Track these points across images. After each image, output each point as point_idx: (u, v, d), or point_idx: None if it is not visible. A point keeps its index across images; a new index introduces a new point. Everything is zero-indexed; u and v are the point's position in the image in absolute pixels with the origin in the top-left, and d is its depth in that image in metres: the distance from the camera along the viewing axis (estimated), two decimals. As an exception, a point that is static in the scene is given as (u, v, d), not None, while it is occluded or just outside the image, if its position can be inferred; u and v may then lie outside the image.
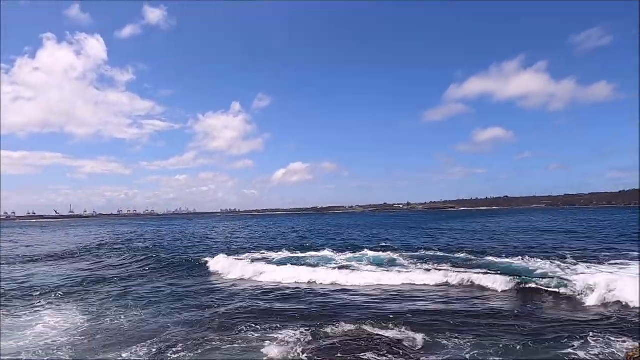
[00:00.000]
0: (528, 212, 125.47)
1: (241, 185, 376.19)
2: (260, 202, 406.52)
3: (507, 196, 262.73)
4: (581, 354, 7.56)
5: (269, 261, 20.74)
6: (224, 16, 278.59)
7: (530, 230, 40.44)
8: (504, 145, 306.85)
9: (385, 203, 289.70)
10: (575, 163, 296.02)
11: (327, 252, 23.67)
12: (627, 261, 17.10)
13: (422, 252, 22.60)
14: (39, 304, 12.71)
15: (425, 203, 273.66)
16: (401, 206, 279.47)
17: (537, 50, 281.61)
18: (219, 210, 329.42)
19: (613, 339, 8.24)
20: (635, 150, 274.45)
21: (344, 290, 14.40)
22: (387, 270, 17.02)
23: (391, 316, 10.54)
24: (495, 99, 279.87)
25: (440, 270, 16.39)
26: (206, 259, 21.73)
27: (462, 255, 20.86)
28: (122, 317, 10.89)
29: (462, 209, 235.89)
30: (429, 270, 16.61)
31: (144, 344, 8.65)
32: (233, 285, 16.29)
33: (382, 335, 8.90)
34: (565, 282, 13.06)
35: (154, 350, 8.29)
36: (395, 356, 7.69)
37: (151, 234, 50.80)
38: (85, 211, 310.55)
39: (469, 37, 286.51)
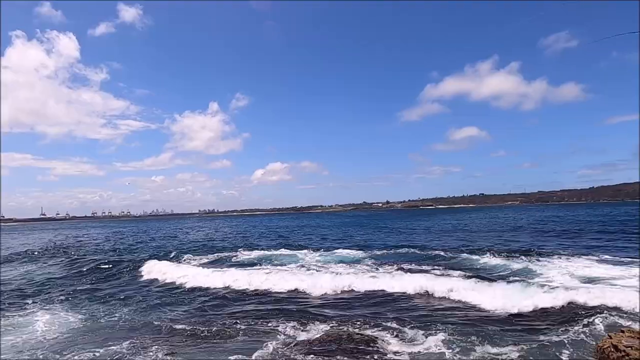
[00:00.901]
0: (500, 210, 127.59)
1: (220, 185, 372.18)
2: (239, 202, 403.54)
3: (482, 194, 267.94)
4: None
5: (223, 263, 20.28)
6: (202, 16, 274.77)
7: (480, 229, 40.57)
8: (479, 143, 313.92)
9: (364, 202, 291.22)
10: (547, 161, 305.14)
11: (283, 251, 23.89)
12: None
13: (388, 251, 22.36)
14: None
15: (404, 202, 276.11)
16: (380, 205, 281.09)
17: (509, 52, 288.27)
18: (197, 211, 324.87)
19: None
20: (602, 149, 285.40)
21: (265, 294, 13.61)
22: (339, 272, 16.06)
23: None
24: (470, 99, 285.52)
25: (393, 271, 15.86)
26: (143, 263, 20.54)
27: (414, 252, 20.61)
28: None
29: (440, 206, 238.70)
30: (389, 272, 15.79)
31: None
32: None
33: None
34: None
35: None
36: None
37: (112, 237, 48.92)
38: (58, 214, 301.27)
39: (444, 38, 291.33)
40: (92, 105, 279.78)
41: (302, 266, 18.16)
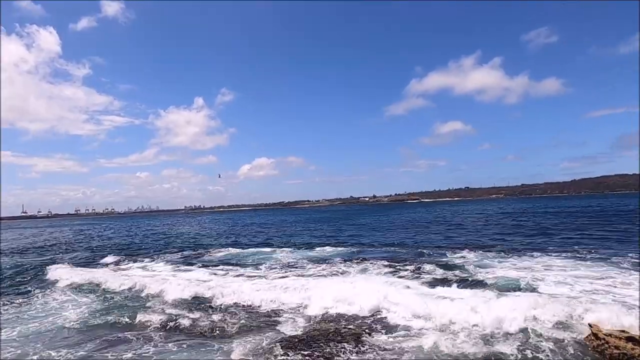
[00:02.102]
0: (483, 203, 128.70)
1: (206, 181, 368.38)
2: (225, 197, 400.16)
3: (468, 187, 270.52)
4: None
5: (186, 263, 18.81)
6: (185, 11, 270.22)
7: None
8: (464, 137, 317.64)
9: (351, 196, 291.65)
10: (530, 154, 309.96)
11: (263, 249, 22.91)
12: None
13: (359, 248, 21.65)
14: None
15: (391, 195, 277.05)
16: (367, 199, 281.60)
17: (492, 47, 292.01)
18: (183, 207, 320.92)
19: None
20: (582, 142, 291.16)
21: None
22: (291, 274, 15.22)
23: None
24: (455, 93, 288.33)
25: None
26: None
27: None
28: None
29: (426, 200, 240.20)
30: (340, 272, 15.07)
31: None
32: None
33: None
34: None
35: None
36: None
37: (77, 234, 47.23)
38: (40, 211, 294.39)
39: (428, 34, 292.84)
40: (75, 100, 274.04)
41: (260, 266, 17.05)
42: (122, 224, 77.01)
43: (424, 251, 18.75)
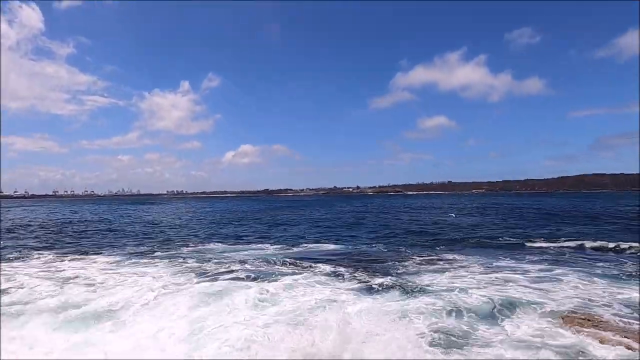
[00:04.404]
0: (464, 197, 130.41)
1: (189, 166, 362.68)
2: (209, 184, 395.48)
3: (450, 181, 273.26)
4: None
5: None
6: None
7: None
8: (448, 132, 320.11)
9: (335, 187, 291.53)
10: (512, 151, 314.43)
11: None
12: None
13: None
14: None
15: (374, 187, 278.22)
16: (351, 190, 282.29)
17: (477, 44, 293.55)
18: (166, 192, 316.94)
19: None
20: (563, 141, 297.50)
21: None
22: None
23: None
24: (440, 88, 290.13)
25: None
26: None
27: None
28: None
29: (409, 193, 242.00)
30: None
31: None
32: None
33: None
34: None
35: None
36: None
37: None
38: (16, 191, 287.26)
39: (413, 27, 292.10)
40: (57, 79, 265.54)
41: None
42: (97, 209, 75.44)
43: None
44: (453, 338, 7.06)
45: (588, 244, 17.98)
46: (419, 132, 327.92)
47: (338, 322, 7.43)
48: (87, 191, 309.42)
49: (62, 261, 15.43)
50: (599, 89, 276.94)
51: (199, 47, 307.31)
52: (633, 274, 11.91)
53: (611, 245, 17.37)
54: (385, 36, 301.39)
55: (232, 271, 12.91)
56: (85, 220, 39.33)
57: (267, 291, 10.05)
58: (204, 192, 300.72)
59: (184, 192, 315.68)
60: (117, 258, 15.97)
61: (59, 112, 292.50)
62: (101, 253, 17.57)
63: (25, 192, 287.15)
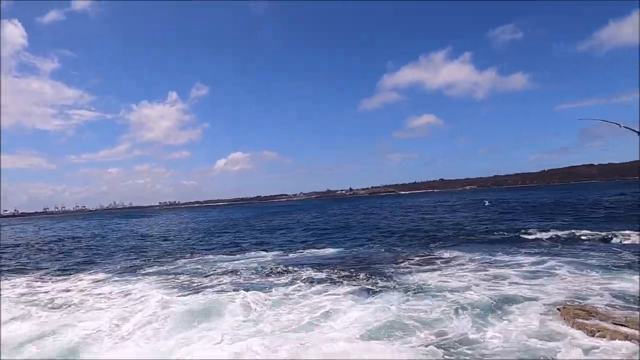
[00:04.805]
0: (451, 194, 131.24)
1: (180, 176, 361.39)
2: (200, 193, 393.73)
3: (442, 179, 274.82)
4: None
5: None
6: (159, 5, 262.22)
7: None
8: (437, 131, 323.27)
9: (328, 190, 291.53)
10: (501, 146, 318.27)
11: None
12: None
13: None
14: None
15: (367, 188, 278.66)
16: (344, 192, 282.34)
17: (461, 43, 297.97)
18: (158, 204, 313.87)
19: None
20: (551, 134, 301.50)
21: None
22: None
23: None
24: (426, 88, 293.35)
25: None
26: None
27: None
28: None
29: (402, 192, 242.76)
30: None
31: None
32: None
33: None
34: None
35: None
36: None
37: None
38: (6, 210, 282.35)
39: (398, 27, 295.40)
40: (42, 94, 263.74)
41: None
42: (82, 224, 74.42)
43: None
44: (454, 341, 6.93)
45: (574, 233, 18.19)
46: (408, 131, 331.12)
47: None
48: (78, 206, 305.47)
49: (44, 282, 14.82)
50: (583, 81, 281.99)
51: (187, 57, 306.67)
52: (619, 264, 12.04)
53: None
54: (371, 38, 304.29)
55: (222, 285, 12.36)
56: (75, 237, 38.69)
57: (255, 310, 9.36)
58: (196, 202, 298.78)
59: (176, 202, 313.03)
60: (105, 275, 15.42)
61: (46, 127, 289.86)
62: (88, 271, 16.93)
63: (15, 210, 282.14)
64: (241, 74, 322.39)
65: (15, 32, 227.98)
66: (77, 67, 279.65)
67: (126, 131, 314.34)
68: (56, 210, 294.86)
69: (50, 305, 11.03)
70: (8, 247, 30.36)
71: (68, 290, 13.03)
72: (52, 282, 14.93)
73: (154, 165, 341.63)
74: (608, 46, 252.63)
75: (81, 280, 14.81)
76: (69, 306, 10.84)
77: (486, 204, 39.08)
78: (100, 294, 12.21)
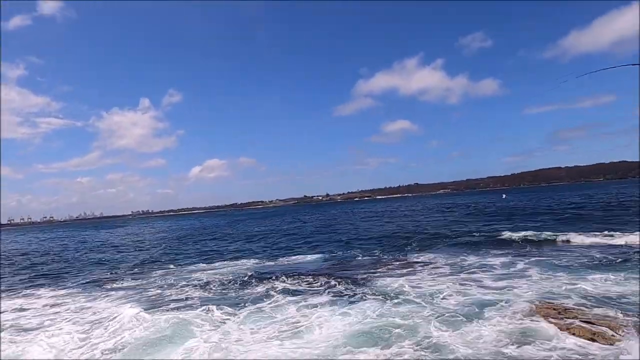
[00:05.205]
0: (429, 198, 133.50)
1: (154, 185, 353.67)
2: (175, 201, 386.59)
3: (417, 183, 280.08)
4: None
5: None
6: (128, 10, 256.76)
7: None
8: (411, 136, 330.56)
9: (305, 196, 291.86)
10: (473, 151, 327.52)
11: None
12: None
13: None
14: None
15: (344, 193, 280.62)
16: (321, 198, 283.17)
17: (433, 49, 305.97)
18: (130, 213, 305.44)
19: None
20: (520, 138, 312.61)
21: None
22: None
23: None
24: (400, 94, 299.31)
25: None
26: None
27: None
28: None
29: (379, 197, 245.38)
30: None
31: None
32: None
33: None
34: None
35: None
36: None
37: None
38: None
39: (371, 35, 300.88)
40: (7, 102, 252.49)
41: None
42: (46, 236, 71.46)
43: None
44: (433, 347, 6.87)
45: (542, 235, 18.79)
46: (383, 136, 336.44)
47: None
48: (46, 217, 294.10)
49: None
50: (549, 87, 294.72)
51: (158, 64, 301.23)
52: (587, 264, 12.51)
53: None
54: (345, 45, 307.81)
55: (188, 299, 11.66)
56: (38, 251, 37.02)
57: (222, 329, 8.62)
58: (171, 210, 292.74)
59: (150, 211, 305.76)
60: (68, 291, 14.56)
61: (11, 135, 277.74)
62: (51, 286, 15.88)
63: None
64: (214, 82, 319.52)
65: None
66: (43, 74, 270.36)
67: (97, 139, 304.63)
68: (22, 221, 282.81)
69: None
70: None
71: (22, 310, 12.06)
72: (8, 299, 13.96)
73: (127, 174, 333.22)
74: (570, 55, 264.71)
75: (39, 297, 13.84)
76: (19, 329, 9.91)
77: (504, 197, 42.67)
78: (56, 312, 11.29)
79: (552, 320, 7.40)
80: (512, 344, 6.72)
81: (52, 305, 12.27)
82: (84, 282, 16.66)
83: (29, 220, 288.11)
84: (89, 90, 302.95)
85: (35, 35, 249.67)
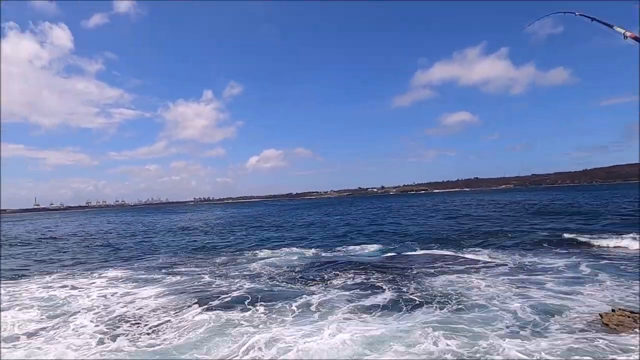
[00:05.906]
0: (485, 194, 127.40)
1: (214, 173, 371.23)
2: (234, 189, 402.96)
3: (477, 177, 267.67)
4: None
5: None
6: (195, 6, 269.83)
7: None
8: (471, 128, 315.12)
9: (359, 187, 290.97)
10: (539, 144, 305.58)
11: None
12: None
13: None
14: None
15: (399, 186, 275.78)
16: (375, 190, 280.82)
17: (497, 38, 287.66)
18: (192, 199, 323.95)
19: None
20: (593, 131, 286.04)
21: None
22: None
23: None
24: (460, 84, 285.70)
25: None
26: None
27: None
28: None
29: (436, 191, 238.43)
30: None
31: None
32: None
33: None
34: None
35: None
36: None
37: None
38: (52, 204, 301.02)
39: (431, 25, 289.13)
40: (87, 94, 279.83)
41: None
42: (125, 219, 78.01)
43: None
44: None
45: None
46: (441, 128, 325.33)
47: None
48: (118, 201, 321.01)
49: (64, 279, 14.50)
50: (623, 77, 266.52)
51: (221, 56, 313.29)
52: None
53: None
54: (403, 35, 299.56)
55: (238, 294, 11.19)
56: (109, 232, 40.85)
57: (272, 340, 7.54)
58: (229, 198, 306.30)
59: (210, 198, 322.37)
60: (126, 273, 15.10)
61: (89, 125, 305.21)
62: (111, 268, 16.58)
63: (61, 204, 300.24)
64: (273, 73, 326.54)
65: (62, 35, 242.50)
66: (118, 68, 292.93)
67: (163, 129, 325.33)
68: (98, 204, 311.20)
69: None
70: (60, 239, 32.52)
71: (75, 288, 12.90)
72: (79, 277, 14.93)
73: (190, 162, 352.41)
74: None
75: (103, 276, 14.69)
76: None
77: None
78: (103, 298, 11.56)
79: (629, 329, 7.15)
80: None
81: (106, 287, 12.88)
82: (147, 265, 17.35)
83: (104, 203, 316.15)
84: (158, 82, 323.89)
85: (111, 32, 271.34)
